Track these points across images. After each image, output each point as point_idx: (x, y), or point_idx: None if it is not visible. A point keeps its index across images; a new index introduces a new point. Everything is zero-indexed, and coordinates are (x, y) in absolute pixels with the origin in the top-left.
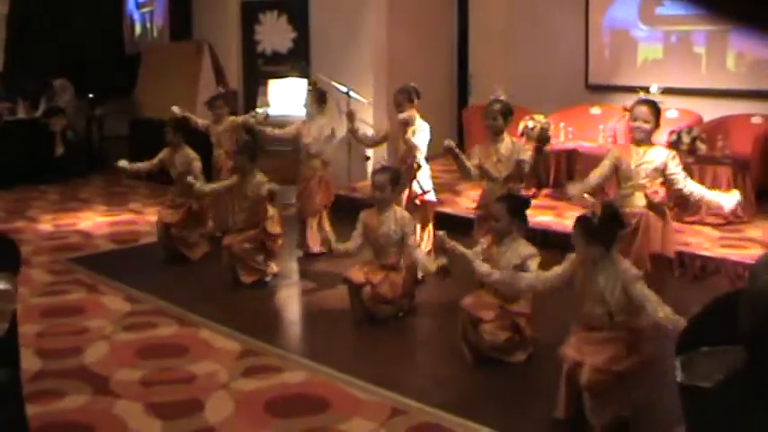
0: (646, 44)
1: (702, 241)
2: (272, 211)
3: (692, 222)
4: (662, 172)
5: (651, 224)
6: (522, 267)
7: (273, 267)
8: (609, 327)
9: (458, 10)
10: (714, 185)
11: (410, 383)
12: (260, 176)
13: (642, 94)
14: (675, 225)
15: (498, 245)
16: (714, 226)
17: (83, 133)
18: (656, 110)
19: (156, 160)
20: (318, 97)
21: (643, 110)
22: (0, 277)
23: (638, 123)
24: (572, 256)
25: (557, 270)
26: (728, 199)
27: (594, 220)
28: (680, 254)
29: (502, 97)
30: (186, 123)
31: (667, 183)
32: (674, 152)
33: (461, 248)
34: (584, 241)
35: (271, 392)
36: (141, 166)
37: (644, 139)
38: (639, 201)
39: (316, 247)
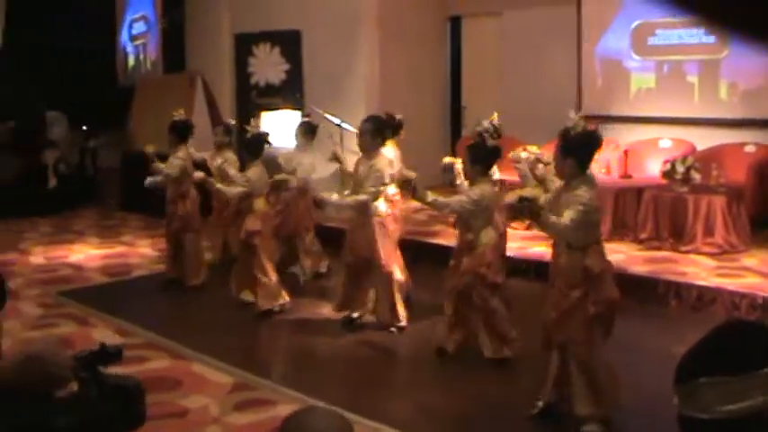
0: (638, 74)
1: (699, 271)
2: (259, 204)
3: (688, 252)
4: None
5: None
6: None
7: (284, 296)
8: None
9: (450, 41)
10: (709, 214)
11: (406, 417)
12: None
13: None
14: (670, 254)
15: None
16: (710, 255)
17: (76, 165)
18: None
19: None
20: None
21: None
22: None
23: None
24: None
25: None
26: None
27: (572, 132)
28: (677, 284)
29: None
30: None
31: None
32: None
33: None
34: (561, 154)
35: (263, 427)
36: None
37: None
38: None
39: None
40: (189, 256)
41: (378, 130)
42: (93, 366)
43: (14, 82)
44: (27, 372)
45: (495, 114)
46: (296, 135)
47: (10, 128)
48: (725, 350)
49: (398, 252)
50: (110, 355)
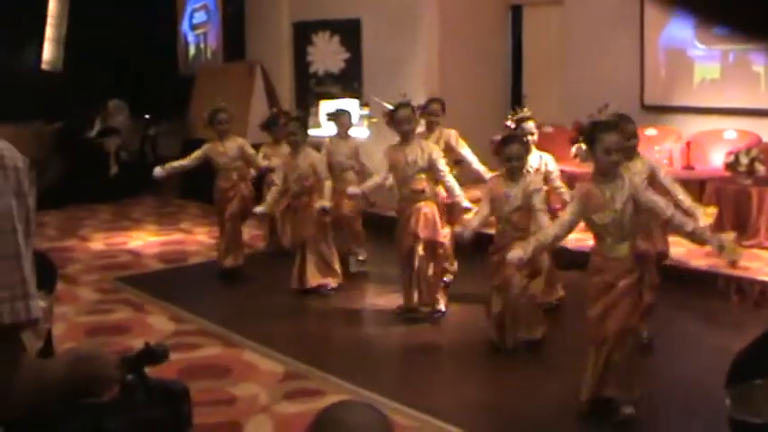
0: (702, 63)
1: (762, 266)
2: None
3: (751, 246)
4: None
5: None
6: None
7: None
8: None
9: (511, 29)
10: None
11: (454, 410)
12: (310, 149)
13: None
14: None
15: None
16: None
17: (137, 153)
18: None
19: (196, 156)
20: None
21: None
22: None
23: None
24: (575, 193)
25: (568, 211)
26: (703, 217)
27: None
28: (738, 279)
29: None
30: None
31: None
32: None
33: None
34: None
35: (311, 416)
36: (181, 163)
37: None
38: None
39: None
40: (228, 236)
41: (415, 113)
42: (139, 368)
43: (66, 82)
44: (77, 373)
45: (514, 111)
46: (336, 124)
47: (57, 129)
48: None
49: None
50: (156, 355)
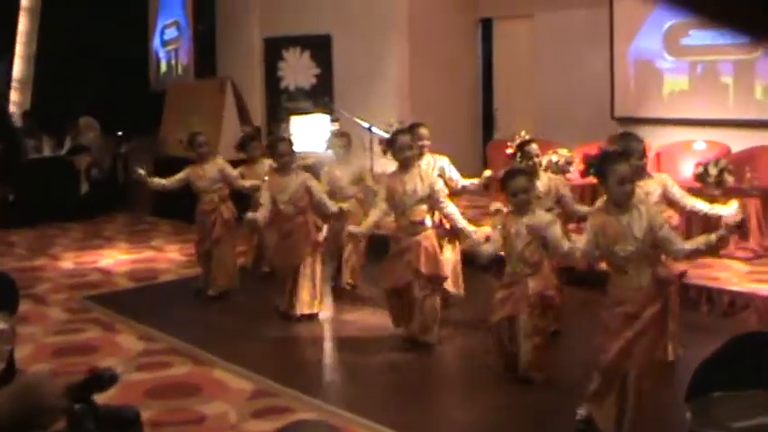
0: (671, 75)
1: (731, 276)
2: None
3: (720, 256)
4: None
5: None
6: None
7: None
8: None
9: (482, 44)
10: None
11: (428, 428)
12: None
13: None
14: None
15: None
16: (743, 260)
17: (108, 171)
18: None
19: (178, 179)
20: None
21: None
22: None
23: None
24: (588, 225)
25: (582, 239)
26: (727, 209)
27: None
28: (708, 289)
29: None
30: None
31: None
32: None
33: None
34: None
35: None
36: (162, 183)
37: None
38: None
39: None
40: (221, 261)
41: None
42: (87, 396)
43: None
44: (23, 404)
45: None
46: (333, 147)
47: None
48: (740, 363)
49: None
50: (102, 380)
